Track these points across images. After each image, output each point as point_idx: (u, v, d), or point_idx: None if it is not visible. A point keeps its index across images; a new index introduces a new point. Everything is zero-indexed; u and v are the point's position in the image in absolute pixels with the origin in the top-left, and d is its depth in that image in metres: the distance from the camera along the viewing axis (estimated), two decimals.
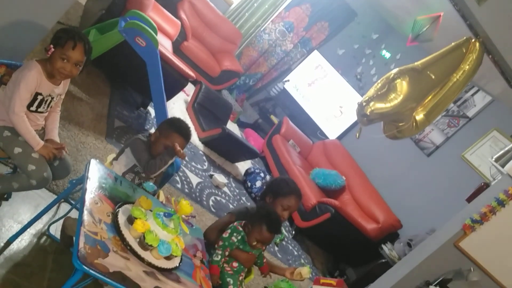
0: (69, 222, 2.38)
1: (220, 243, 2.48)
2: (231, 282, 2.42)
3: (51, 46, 2.15)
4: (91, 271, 1.58)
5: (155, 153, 2.43)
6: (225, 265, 2.47)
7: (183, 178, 4.26)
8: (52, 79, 2.25)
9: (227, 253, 2.48)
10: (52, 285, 2.20)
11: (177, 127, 2.48)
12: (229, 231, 2.52)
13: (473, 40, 3.30)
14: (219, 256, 2.45)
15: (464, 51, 3.18)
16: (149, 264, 1.84)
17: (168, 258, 1.95)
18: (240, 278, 2.51)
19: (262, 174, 5.43)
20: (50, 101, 2.32)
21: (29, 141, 2.20)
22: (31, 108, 2.25)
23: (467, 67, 3.13)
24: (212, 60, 6.73)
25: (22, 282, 2.11)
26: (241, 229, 2.52)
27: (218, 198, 4.59)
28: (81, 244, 1.62)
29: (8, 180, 2.21)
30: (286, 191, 2.74)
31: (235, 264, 2.49)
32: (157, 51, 3.65)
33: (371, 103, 3.03)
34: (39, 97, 2.24)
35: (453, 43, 3.35)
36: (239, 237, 2.49)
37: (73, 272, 1.68)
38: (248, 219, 2.53)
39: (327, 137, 7.22)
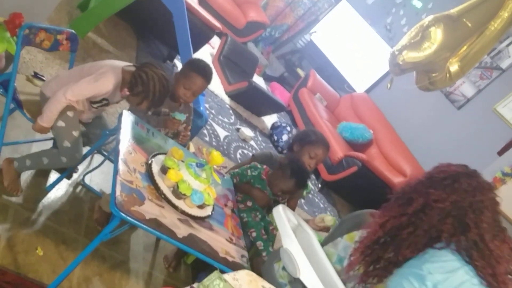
0: (107, 199, 2.36)
1: (235, 170, 2.55)
2: (245, 216, 2.44)
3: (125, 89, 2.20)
4: (128, 217, 1.63)
5: (176, 94, 2.45)
6: (239, 204, 2.50)
7: (211, 132, 4.29)
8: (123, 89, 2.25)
9: (235, 181, 2.53)
10: (89, 232, 2.30)
11: (196, 66, 2.47)
12: (247, 166, 2.58)
13: None
14: (237, 176, 2.53)
15: None
16: (183, 212, 1.89)
17: (201, 207, 1.99)
18: (257, 214, 2.53)
19: (288, 128, 5.43)
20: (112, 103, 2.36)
21: (46, 114, 2.11)
22: (93, 106, 2.29)
23: (506, 14, 2.98)
24: (238, 11, 6.61)
25: (61, 229, 2.20)
26: (259, 166, 2.56)
27: (245, 151, 4.62)
28: (118, 192, 1.66)
29: (38, 155, 2.18)
30: (314, 139, 2.74)
31: (249, 203, 2.51)
32: (184, 1, 3.59)
33: (404, 52, 2.94)
34: (105, 102, 2.28)
35: None
36: (255, 173, 2.53)
37: (110, 219, 1.74)
38: (277, 168, 2.55)
39: (354, 91, 7.10)
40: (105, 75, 2.14)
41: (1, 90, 2.20)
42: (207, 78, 2.49)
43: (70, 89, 2.11)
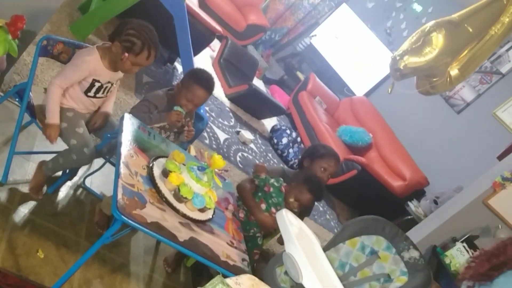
0: (108, 202, 2.36)
1: (262, 176, 2.53)
2: None
3: (126, 54, 2.14)
4: (130, 221, 1.62)
5: (178, 104, 2.43)
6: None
7: (211, 134, 4.29)
8: (111, 67, 2.23)
9: (256, 182, 2.52)
10: (90, 234, 2.29)
11: (198, 78, 2.44)
12: (275, 177, 2.57)
13: None
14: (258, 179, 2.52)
15: (505, 2, 3.03)
16: (184, 216, 1.89)
17: (202, 210, 1.99)
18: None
19: (288, 131, 5.43)
20: (110, 87, 2.32)
21: (47, 112, 2.14)
22: (89, 94, 2.25)
23: (507, 19, 2.99)
24: (238, 14, 6.62)
25: (62, 232, 2.20)
26: (282, 179, 2.55)
27: (245, 154, 4.62)
28: (119, 195, 1.66)
29: (56, 156, 2.21)
30: (323, 153, 2.75)
31: (251, 232, 2.48)
32: (184, 3, 3.59)
33: (405, 57, 2.94)
34: (97, 84, 2.23)
35: None
36: (277, 184, 2.51)
37: (112, 222, 1.74)
38: (293, 181, 2.54)
39: (354, 94, 7.12)
40: (80, 54, 2.19)
41: (17, 99, 2.22)
42: (210, 90, 2.48)
43: (56, 76, 2.15)
